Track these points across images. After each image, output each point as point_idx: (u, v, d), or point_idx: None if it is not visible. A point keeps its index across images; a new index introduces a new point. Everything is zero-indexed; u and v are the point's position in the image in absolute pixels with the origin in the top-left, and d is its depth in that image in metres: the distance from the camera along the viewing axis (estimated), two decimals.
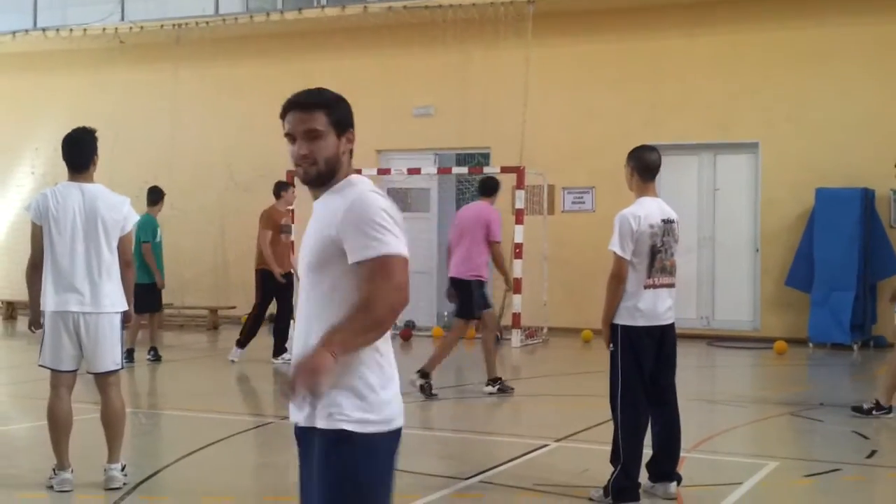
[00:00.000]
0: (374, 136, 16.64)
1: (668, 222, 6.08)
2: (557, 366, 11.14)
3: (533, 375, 11.59)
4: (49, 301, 6.05)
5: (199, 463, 7.18)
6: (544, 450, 7.51)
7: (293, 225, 12.40)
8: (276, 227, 11.94)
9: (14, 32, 18.16)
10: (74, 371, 6.19)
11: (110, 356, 6.17)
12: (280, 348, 12.17)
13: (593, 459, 6.82)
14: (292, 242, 12.38)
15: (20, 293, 17.21)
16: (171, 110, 17.79)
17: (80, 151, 6.22)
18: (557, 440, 7.81)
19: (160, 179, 17.65)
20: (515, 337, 13.79)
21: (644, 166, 6.14)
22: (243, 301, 16.12)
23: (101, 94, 18.25)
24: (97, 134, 6.38)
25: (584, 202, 15.62)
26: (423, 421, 9.29)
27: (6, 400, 10.37)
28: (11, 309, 17.82)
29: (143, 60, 18.18)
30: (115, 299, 6.16)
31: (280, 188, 12.15)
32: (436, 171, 15.73)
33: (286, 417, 8.31)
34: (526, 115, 15.50)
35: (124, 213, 6.25)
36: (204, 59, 17.77)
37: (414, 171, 15.38)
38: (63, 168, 6.30)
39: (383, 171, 15.69)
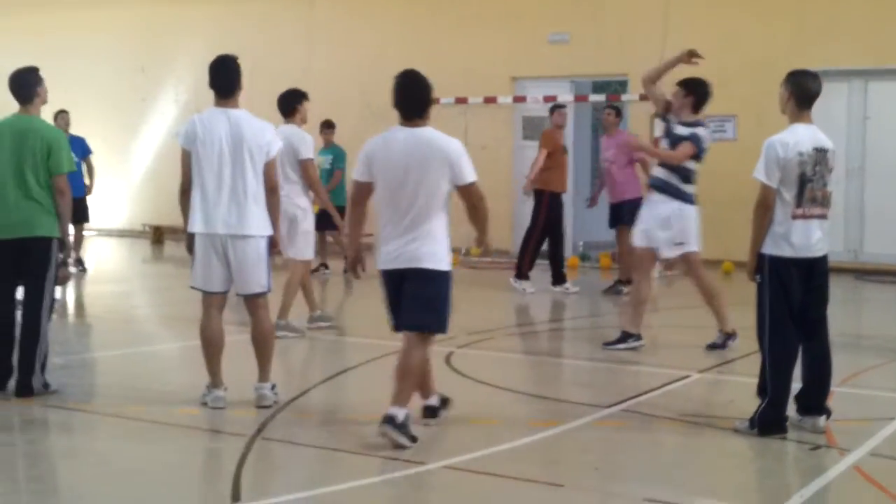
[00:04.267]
0: (509, 64, 16.48)
1: (820, 151, 5.83)
2: (698, 298, 10.91)
3: (673, 307, 11.41)
4: (197, 224, 6.19)
5: (346, 384, 7.33)
6: (687, 381, 7.42)
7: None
8: (557, 148, 11.91)
9: None
10: (224, 292, 6.34)
11: (257, 279, 6.30)
12: (560, 276, 12.00)
13: (739, 391, 6.70)
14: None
15: (167, 218, 17.92)
16: (306, 38, 17.94)
17: (226, 77, 6.32)
18: (700, 371, 7.70)
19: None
20: (654, 269, 13.51)
21: (803, 93, 5.89)
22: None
23: (238, 22, 18.49)
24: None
25: (725, 131, 15.12)
26: (559, 350, 9.30)
27: (157, 321, 10.78)
28: (159, 233, 18.44)
29: None
30: (260, 223, 6.26)
31: (551, 109, 12.35)
32: (572, 99, 15.49)
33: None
34: (665, 40, 15.05)
35: (268, 139, 6.33)
36: None
37: (550, 99, 15.17)
38: (205, 95, 6.42)
39: (519, 99, 15.54)
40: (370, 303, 11.76)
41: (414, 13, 17.33)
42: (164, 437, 5.89)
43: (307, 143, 8.64)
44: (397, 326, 5.78)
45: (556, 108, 12.44)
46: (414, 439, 5.47)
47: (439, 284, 5.59)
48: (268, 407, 6.33)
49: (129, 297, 12.47)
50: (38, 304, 6.55)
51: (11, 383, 6.53)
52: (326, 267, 13.48)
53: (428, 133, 5.62)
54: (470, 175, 5.61)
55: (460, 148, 5.64)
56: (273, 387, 6.47)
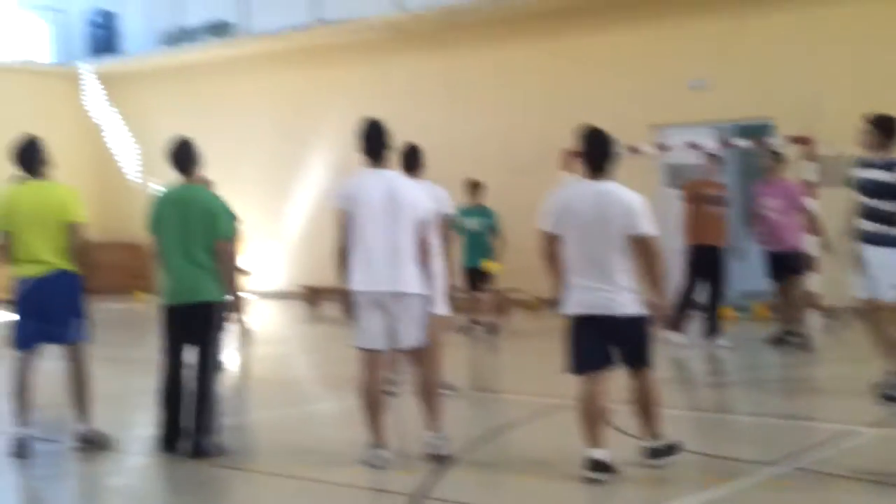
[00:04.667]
0: (647, 111, 16.37)
1: None
2: (863, 349, 10.48)
3: (837, 358, 11.03)
4: (358, 283, 6.35)
5: (505, 442, 7.31)
6: (859, 435, 7.12)
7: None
8: (696, 198, 11.65)
9: (300, 28, 19.13)
10: (384, 350, 6.47)
11: (417, 333, 6.44)
12: (713, 329, 11.68)
13: None
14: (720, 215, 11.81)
15: (322, 279, 18.32)
16: (447, 97, 18.22)
17: (375, 141, 6.54)
18: (873, 425, 7.38)
19: (439, 165, 18.13)
20: (816, 319, 13.05)
21: None
22: (527, 285, 16.20)
23: (381, 83, 18.94)
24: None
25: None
26: (721, 404, 9.09)
27: (316, 381, 11.01)
28: (315, 294, 18.83)
29: (421, 48, 18.70)
30: (418, 281, 6.41)
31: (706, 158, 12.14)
32: (717, 145, 15.22)
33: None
34: (811, 80, 14.72)
35: (422, 199, 6.52)
36: (479, 43, 18.07)
37: (693, 146, 14.95)
38: (356, 155, 6.59)
39: (661, 147, 15.37)
40: (518, 360, 11.82)
41: (554, 66, 17.42)
42: (328, 496, 5.98)
43: (447, 199, 8.70)
44: (585, 368, 6.03)
45: (712, 156, 12.15)
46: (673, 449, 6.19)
47: (640, 327, 6.00)
48: (438, 457, 6.40)
49: (288, 358, 12.79)
50: (207, 367, 6.79)
51: (181, 444, 6.76)
52: (478, 323, 13.42)
53: (611, 187, 6.02)
54: (648, 228, 5.95)
55: (642, 202, 6.00)
56: (442, 437, 6.56)
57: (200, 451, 6.66)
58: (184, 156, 7.02)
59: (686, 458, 6.58)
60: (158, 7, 21.80)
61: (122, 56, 22.36)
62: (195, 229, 6.80)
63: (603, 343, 5.99)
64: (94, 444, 6.98)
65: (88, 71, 23.20)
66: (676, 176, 16.27)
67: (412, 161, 8.65)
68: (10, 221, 6.92)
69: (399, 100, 18.18)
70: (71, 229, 6.94)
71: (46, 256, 6.87)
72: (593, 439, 5.91)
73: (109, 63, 22.58)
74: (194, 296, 6.80)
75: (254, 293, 19.65)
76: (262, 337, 14.41)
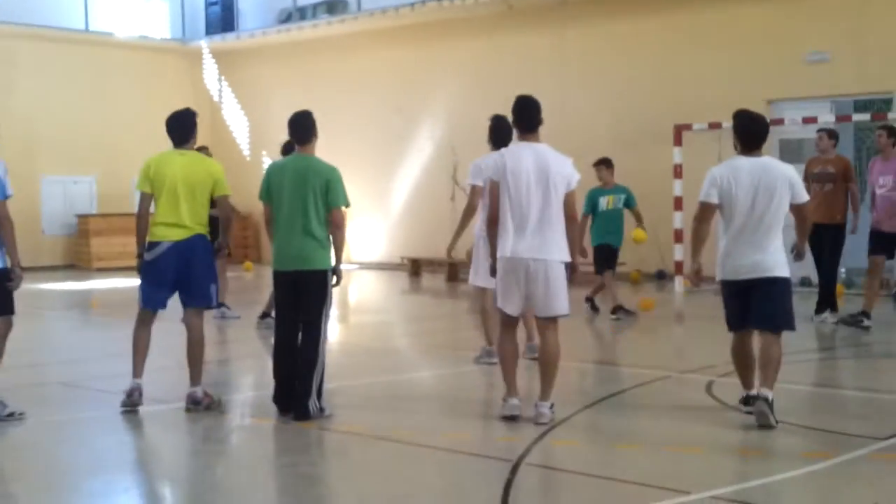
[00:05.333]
0: (764, 86, 16.03)
1: None
2: None
3: None
4: (505, 249, 6.62)
5: (608, 412, 7.31)
6: None
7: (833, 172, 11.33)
8: (805, 176, 11.18)
9: (413, 4, 19.25)
10: (519, 315, 6.82)
11: (557, 302, 6.67)
12: (819, 306, 11.46)
13: None
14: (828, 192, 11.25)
15: (424, 251, 18.56)
16: (558, 71, 18.12)
17: (529, 114, 6.86)
18: None
19: (549, 140, 18.07)
20: None
21: None
22: (632, 257, 16.11)
23: (493, 59, 18.90)
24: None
25: None
26: (828, 379, 8.93)
27: (417, 349, 11.09)
28: (417, 266, 19.09)
29: (531, 24, 18.62)
30: (561, 249, 6.65)
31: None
32: (834, 120, 14.85)
33: (685, 372, 8.24)
34: None
35: (569, 171, 6.73)
36: (589, 18, 17.91)
37: (809, 121, 14.62)
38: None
39: (776, 122, 15.05)
40: (621, 333, 11.75)
41: (666, 41, 17.18)
42: (429, 460, 6.08)
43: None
44: (735, 327, 6.72)
45: (820, 131, 11.84)
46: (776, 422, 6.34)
47: (785, 288, 6.55)
48: (544, 424, 6.56)
49: (391, 327, 12.98)
50: (315, 333, 6.93)
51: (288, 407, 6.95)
52: (592, 300, 13.07)
53: (769, 160, 6.73)
54: (806, 195, 6.67)
55: (795, 172, 6.65)
56: (552, 406, 6.72)
57: (304, 414, 6.83)
58: (302, 127, 7.17)
59: (792, 430, 6.51)
60: None
61: (238, 33, 22.83)
62: (311, 198, 6.93)
63: (748, 305, 6.54)
64: (205, 405, 7.23)
65: (205, 48, 23.77)
66: (791, 151, 15.92)
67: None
68: (155, 185, 7.24)
69: (509, 76, 18.13)
70: (220, 201, 7.39)
71: (189, 222, 7.20)
72: (745, 382, 6.69)
73: (225, 40, 23.10)
74: (304, 263, 6.95)
75: (357, 263, 20.03)
76: (366, 306, 14.67)
